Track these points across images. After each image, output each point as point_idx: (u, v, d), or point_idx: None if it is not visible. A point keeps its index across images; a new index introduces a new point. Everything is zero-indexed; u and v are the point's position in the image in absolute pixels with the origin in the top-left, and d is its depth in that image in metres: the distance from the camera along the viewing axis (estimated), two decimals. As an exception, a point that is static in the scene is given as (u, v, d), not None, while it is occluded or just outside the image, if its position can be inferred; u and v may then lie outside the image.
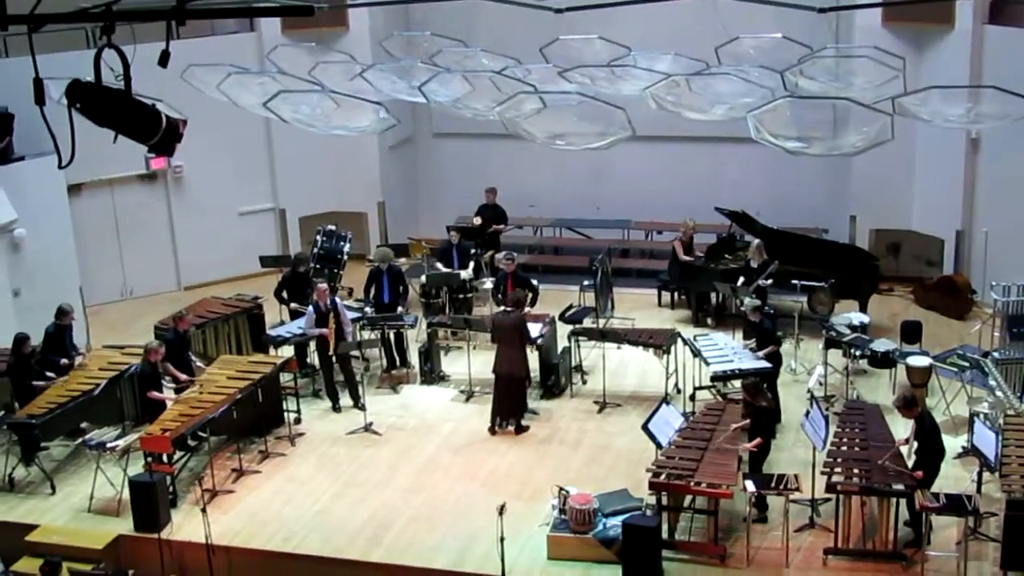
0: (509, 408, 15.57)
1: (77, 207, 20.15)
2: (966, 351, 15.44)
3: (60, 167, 8.06)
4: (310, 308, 16.50)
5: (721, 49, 16.81)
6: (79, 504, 14.23)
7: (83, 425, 15.27)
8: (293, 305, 17.65)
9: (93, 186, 20.83)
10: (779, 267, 17.37)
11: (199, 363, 16.00)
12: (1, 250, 18.11)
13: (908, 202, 20.16)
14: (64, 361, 15.87)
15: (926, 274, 20.16)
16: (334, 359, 16.37)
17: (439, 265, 19.05)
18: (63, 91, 7.90)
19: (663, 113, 15.57)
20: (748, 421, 13.12)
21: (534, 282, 17.74)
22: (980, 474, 13.15)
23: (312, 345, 16.98)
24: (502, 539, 11.64)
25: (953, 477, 13.22)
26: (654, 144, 19.84)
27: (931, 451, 12.14)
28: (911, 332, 16.72)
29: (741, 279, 17.61)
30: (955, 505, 11.73)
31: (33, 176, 18.21)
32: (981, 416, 13.64)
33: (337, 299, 16.79)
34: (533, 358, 16.27)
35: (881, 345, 15.93)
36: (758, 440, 12.96)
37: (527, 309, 16.44)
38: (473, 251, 19.40)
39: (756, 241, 18.12)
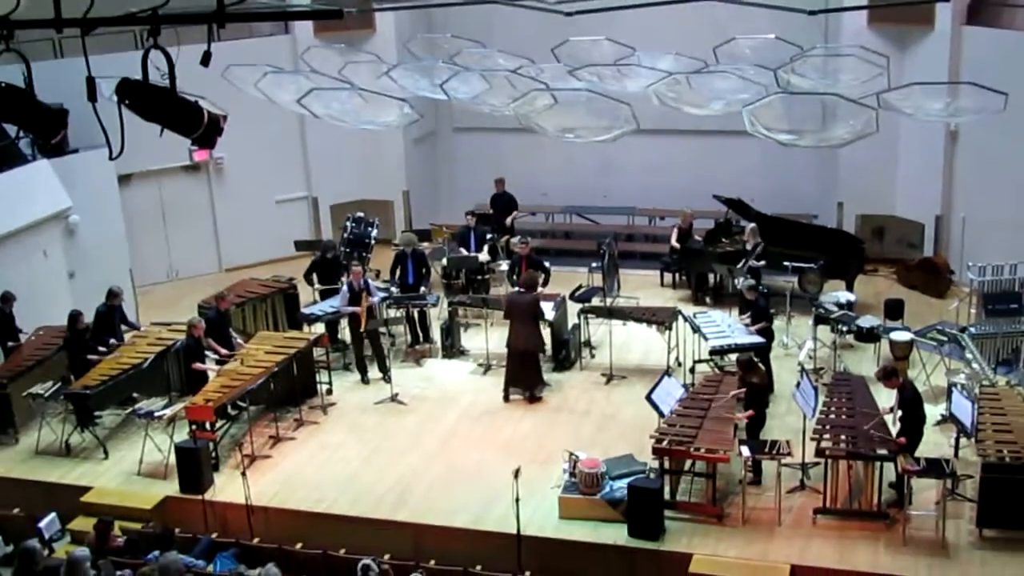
0: (525, 379, 15.57)
1: (127, 196, 20.20)
2: (945, 327, 15.40)
3: (111, 159, 8.06)
4: (344, 287, 16.52)
5: (719, 49, 16.75)
6: (129, 468, 14.28)
7: (134, 395, 15.30)
8: (320, 287, 17.67)
9: (141, 176, 20.84)
10: (765, 247, 17.43)
11: (239, 340, 16.02)
12: (57, 235, 18.15)
13: (891, 189, 20.06)
14: (112, 341, 15.91)
15: (908, 256, 20.07)
16: (364, 335, 16.37)
17: (461, 249, 19.02)
18: (113, 89, 7.91)
19: (665, 108, 15.53)
20: (743, 390, 13.11)
21: (547, 264, 17.70)
22: (957, 440, 13.16)
23: (344, 322, 16.99)
24: (517, 500, 11.67)
25: (932, 443, 13.17)
26: (657, 137, 19.74)
27: (914, 419, 12.10)
28: (894, 309, 16.66)
29: (743, 261, 17.57)
30: (934, 468, 11.74)
31: (86, 167, 18.27)
32: (958, 386, 13.59)
33: (369, 280, 16.76)
34: (546, 334, 16.26)
35: (866, 321, 15.89)
36: (750, 412, 12.95)
37: (540, 289, 16.44)
38: (489, 236, 19.38)
39: (751, 225, 18.09)
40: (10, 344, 16.05)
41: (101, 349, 15.64)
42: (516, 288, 16.28)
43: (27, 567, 10.73)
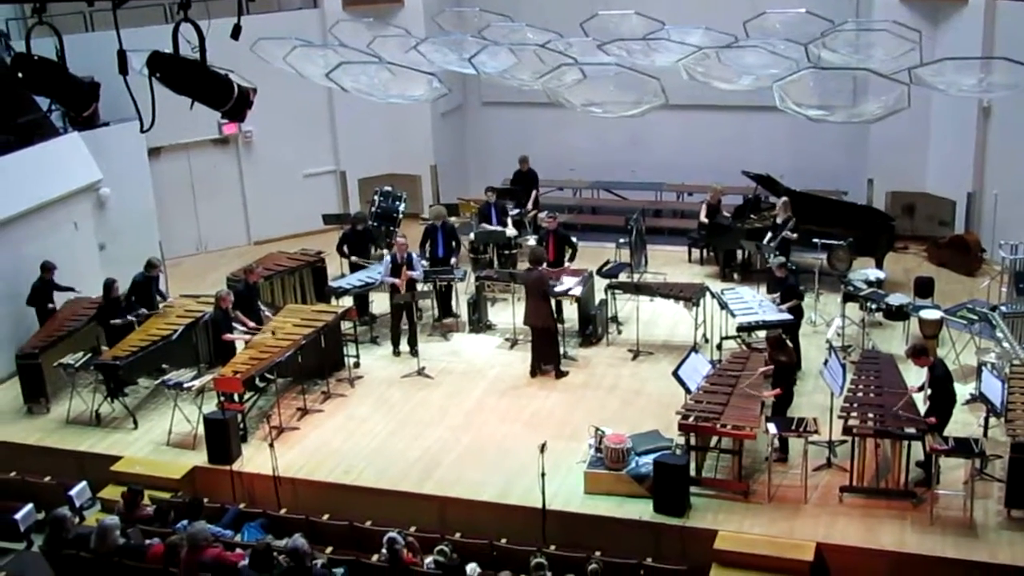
0: (545, 354, 15.61)
1: (157, 168, 20.29)
2: (975, 305, 15.29)
3: (141, 131, 8.11)
4: (387, 258, 16.59)
5: (749, 23, 16.65)
6: (159, 438, 14.40)
7: (163, 366, 15.41)
8: (353, 258, 17.71)
9: (171, 149, 20.94)
10: (796, 222, 17.28)
11: (268, 312, 16.10)
12: (88, 208, 18.25)
13: (922, 166, 19.92)
14: (144, 311, 16.02)
15: (939, 233, 19.93)
16: (402, 307, 16.43)
17: (484, 225, 19.02)
18: (144, 62, 7.95)
19: (694, 83, 15.48)
20: (772, 367, 13.09)
21: (574, 239, 17.68)
22: (987, 419, 13.07)
23: (373, 295, 17.07)
24: (543, 475, 11.71)
25: (961, 422, 13.12)
26: (685, 112, 19.72)
27: (944, 398, 12.04)
28: (924, 287, 16.55)
29: (768, 235, 17.51)
30: (963, 448, 11.69)
31: (117, 140, 18.35)
32: (988, 366, 13.52)
33: (413, 255, 16.77)
34: (572, 310, 16.27)
35: (896, 299, 15.79)
36: (777, 390, 12.92)
37: (567, 264, 16.45)
38: (514, 211, 19.36)
39: (782, 199, 17.98)
40: (50, 306, 16.22)
41: (129, 317, 15.76)
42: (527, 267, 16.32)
43: (58, 534, 10.87)
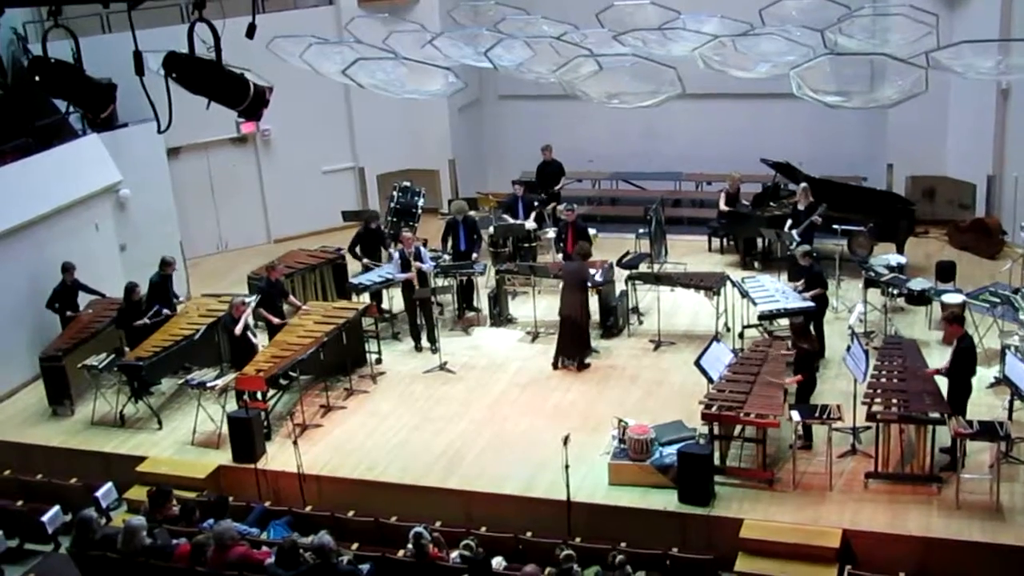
0: (572, 348, 15.57)
1: (176, 168, 20.35)
2: (997, 288, 15.20)
3: (159, 132, 8.14)
4: (396, 254, 16.59)
5: (765, 11, 16.55)
6: (183, 438, 14.46)
7: (186, 366, 15.45)
8: (365, 260, 17.67)
9: (190, 149, 20.99)
10: (827, 208, 17.14)
11: (297, 302, 16.17)
12: (108, 209, 18.32)
13: (942, 150, 19.80)
14: (166, 311, 16.07)
15: (959, 217, 19.83)
16: (417, 302, 16.44)
17: (506, 216, 19.00)
18: (160, 62, 7.95)
19: (711, 72, 15.39)
20: (794, 352, 13.04)
21: (592, 231, 17.62)
22: (1011, 402, 12.99)
23: (386, 292, 17.09)
24: (567, 467, 11.69)
25: (986, 405, 13.08)
26: (703, 101, 19.65)
27: (966, 367, 11.99)
28: (946, 271, 16.48)
29: (789, 222, 17.42)
30: (988, 431, 11.63)
31: (135, 141, 18.39)
32: (1012, 348, 13.44)
33: (421, 247, 16.79)
34: (593, 301, 16.24)
35: (917, 284, 15.71)
36: (798, 377, 12.86)
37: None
38: (536, 204, 19.34)
39: (802, 185, 17.88)
40: (68, 313, 16.27)
41: (145, 320, 15.80)
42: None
43: (85, 535, 10.90)
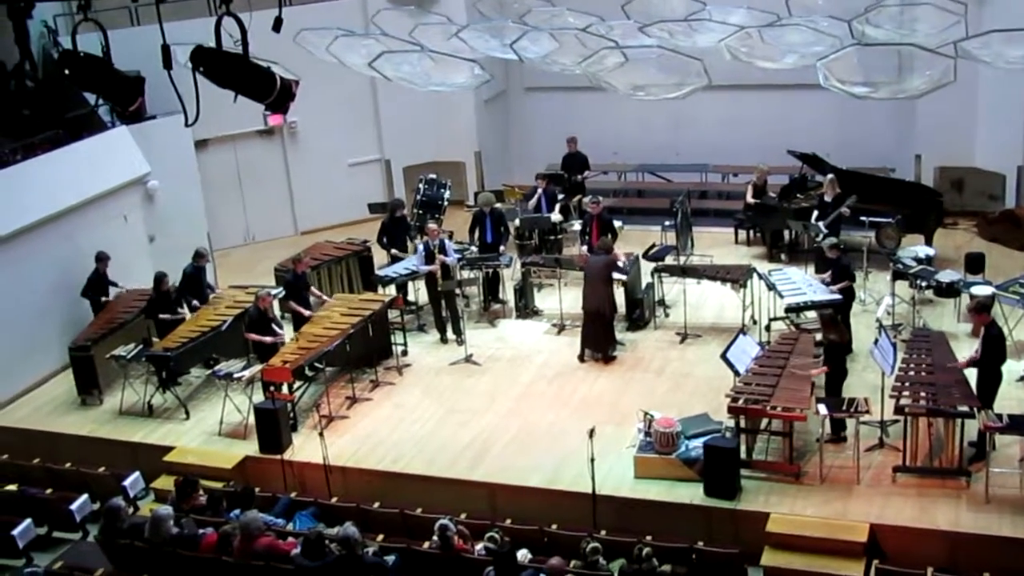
0: (596, 341, 15.53)
1: (203, 161, 20.42)
2: (1027, 280, 15.09)
3: (187, 125, 8.16)
4: (420, 246, 16.59)
5: (791, 1, 16.46)
6: (210, 428, 14.51)
7: (214, 356, 15.51)
8: (393, 251, 17.68)
9: (217, 141, 21.06)
10: (856, 200, 17.00)
11: (324, 297, 16.22)
12: (137, 201, 18.41)
13: (971, 140, 19.63)
14: (196, 302, 16.14)
15: (988, 208, 19.67)
16: (442, 295, 16.43)
17: (529, 205, 18.95)
18: (188, 56, 7.97)
19: (737, 63, 15.34)
20: (824, 344, 12.99)
21: (617, 224, 17.55)
22: (1041, 395, 12.90)
23: (411, 284, 17.14)
24: (592, 460, 11.66)
25: (1016, 398, 12.96)
26: (729, 92, 19.51)
27: (995, 356, 11.92)
28: (975, 263, 16.34)
29: (815, 214, 17.30)
30: (1017, 425, 11.51)
31: (164, 133, 18.47)
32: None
33: (446, 240, 16.78)
34: (619, 293, 16.18)
35: (946, 276, 15.59)
36: (823, 368, 12.78)
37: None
38: (560, 196, 19.28)
39: (829, 176, 17.75)
40: (103, 299, 16.41)
41: (180, 311, 15.89)
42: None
43: (113, 524, 10.97)
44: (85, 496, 12.67)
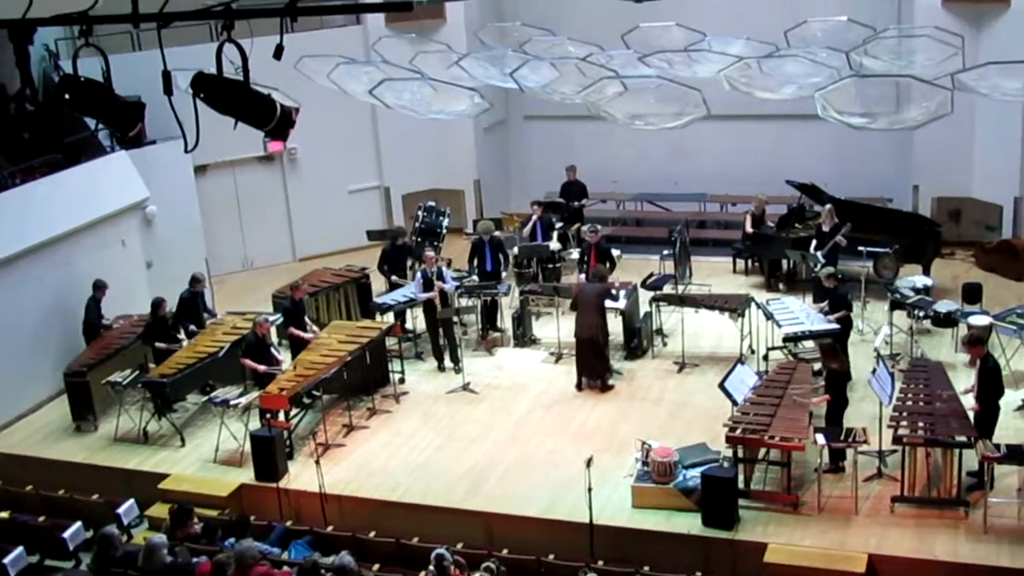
0: (592, 368, 15.50)
1: (203, 186, 20.44)
2: (1024, 310, 15.09)
3: (186, 151, 8.14)
4: (418, 274, 16.57)
5: (790, 32, 16.53)
6: (206, 455, 14.44)
7: (210, 383, 15.45)
8: (394, 278, 17.66)
9: (217, 167, 21.07)
10: (851, 229, 17.00)
11: (314, 328, 16.14)
12: (135, 226, 18.40)
13: (968, 171, 19.66)
14: (193, 327, 16.11)
15: (986, 238, 19.68)
16: (439, 323, 16.39)
17: (524, 232, 18.94)
18: (188, 82, 7.97)
19: (736, 93, 15.36)
20: (824, 373, 12.96)
21: (615, 252, 17.55)
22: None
23: (414, 310, 17.07)
24: (590, 489, 11.62)
25: (1013, 428, 12.95)
26: (728, 123, 19.57)
27: (992, 389, 11.91)
28: (972, 293, 16.35)
29: (814, 243, 17.31)
30: (1016, 454, 11.50)
31: (163, 159, 18.47)
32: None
33: (443, 267, 16.78)
34: (616, 322, 16.16)
35: (943, 306, 15.59)
36: (825, 397, 12.76)
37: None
38: (558, 224, 19.29)
39: (828, 206, 17.77)
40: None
41: (180, 337, 15.86)
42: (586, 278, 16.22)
43: (106, 552, 10.90)
44: (78, 524, 12.52)
